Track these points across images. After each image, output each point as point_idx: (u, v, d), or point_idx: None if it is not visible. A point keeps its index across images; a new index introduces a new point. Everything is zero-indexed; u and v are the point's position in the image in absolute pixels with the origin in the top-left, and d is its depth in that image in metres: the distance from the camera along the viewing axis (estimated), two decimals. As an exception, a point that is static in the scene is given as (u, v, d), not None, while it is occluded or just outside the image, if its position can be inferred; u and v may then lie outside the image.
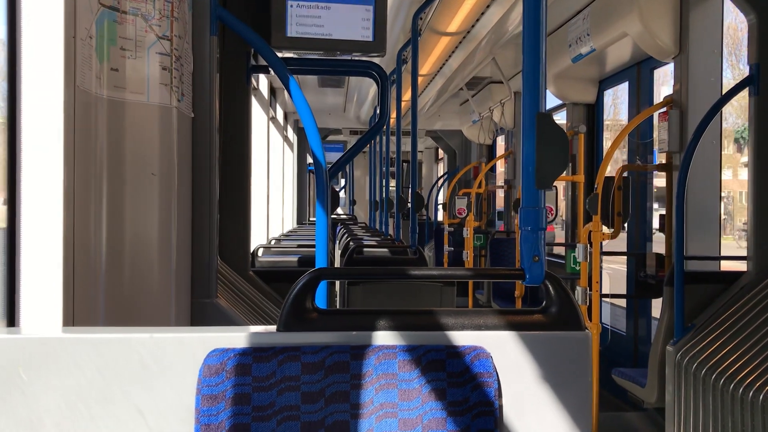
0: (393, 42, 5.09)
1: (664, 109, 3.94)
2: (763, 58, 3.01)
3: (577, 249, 4.03)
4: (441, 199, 11.76)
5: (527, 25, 1.36)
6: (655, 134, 4.45)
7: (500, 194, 8.46)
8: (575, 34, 4.87)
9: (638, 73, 5.01)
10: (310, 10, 2.60)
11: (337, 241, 5.60)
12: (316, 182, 2.11)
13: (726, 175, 17.19)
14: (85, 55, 1.57)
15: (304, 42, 2.61)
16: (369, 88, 7.47)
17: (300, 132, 10.54)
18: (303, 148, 10.90)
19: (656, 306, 3.91)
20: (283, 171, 8.72)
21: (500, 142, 8.87)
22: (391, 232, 6.12)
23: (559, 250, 5.82)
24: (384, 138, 6.50)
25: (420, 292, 3.11)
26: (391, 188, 7.01)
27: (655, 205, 5.25)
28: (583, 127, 4.49)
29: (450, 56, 5.62)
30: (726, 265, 3.94)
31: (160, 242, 1.77)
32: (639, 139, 4.99)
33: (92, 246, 1.60)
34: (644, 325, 4.95)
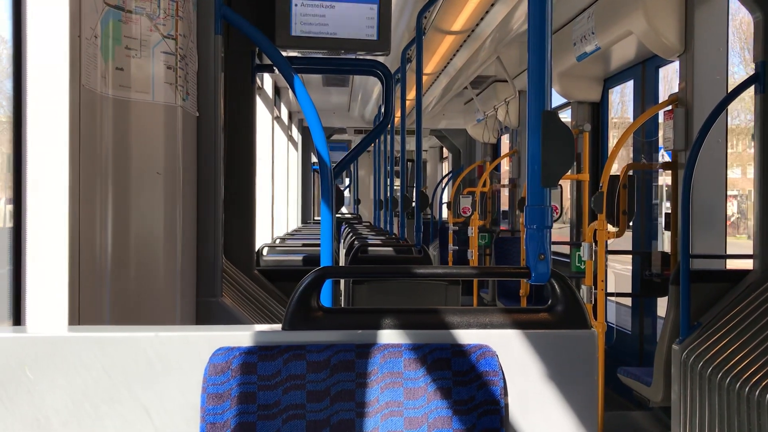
0: (397, 41, 5.09)
1: (670, 107, 3.93)
2: (769, 56, 3.00)
3: (582, 247, 4.02)
4: (446, 198, 11.77)
5: (532, 23, 1.36)
6: (661, 133, 4.44)
7: (505, 193, 8.45)
8: (580, 32, 4.86)
9: (643, 71, 4.99)
10: (314, 9, 2.61)
11: (342, 240, 5.60)
12: (321, 181, 2.11)
13: (736, 173, 17.06)
14: (90, 55, 1.57)
15: (308, 41, 2.61)
16: (373, 87, 7.47)
17: (304, 131, 10.54)
18: (307, 147, 10.91)
19: (662, 304, 3.90)
20: (287, 170, 8.73)
21: (505, 140, 8.86)
22: (395, 231, 6.11)
23: (564, 249, 5.80)
24: (389, 137, 6.49)
25: (425, 291, 3.11)
26: (395, 187, 7.01)
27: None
28: (588, 126, 4.48)
29: (454, 55, 5.61)
30: (732, 264, 3.93)
31: (166, 241, 1.77)
32: (644, 137, 4.97)
33: (98, 245, 1.60)
34: (650, 323, 4.94)
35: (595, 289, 3.94)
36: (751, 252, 3.21)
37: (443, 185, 11.94)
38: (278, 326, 1.26)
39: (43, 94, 1.49)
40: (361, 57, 2.86)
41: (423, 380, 1.17)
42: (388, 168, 6.94)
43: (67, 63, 1.49)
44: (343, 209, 14.73)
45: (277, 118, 7.61)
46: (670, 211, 4.08)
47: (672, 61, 4.22)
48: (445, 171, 13.52)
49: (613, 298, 5.52)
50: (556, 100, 6.17)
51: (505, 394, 1.21)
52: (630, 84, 5.29)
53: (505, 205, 8.84)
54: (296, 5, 2.60)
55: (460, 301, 3.28)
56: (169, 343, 1.20)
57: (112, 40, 1.66)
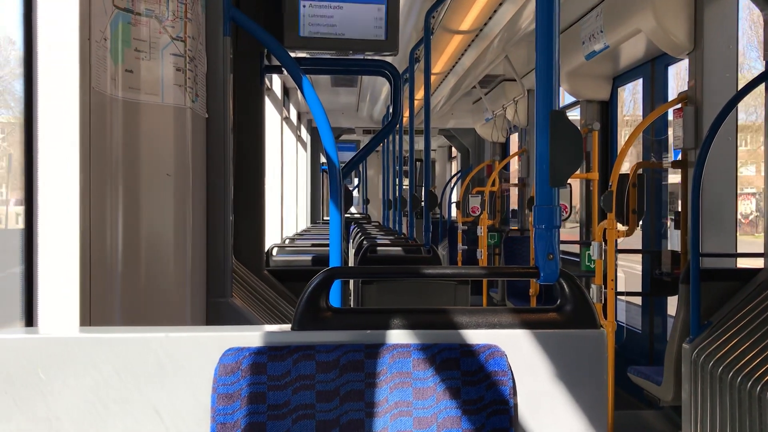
0: (405, 41, 5.09)
1: (679, 105, 3.92)
2: (779, 53, 2.98)
3: (591, 247, 4.01)
4: (454, 197, 11.76)
5: (540, 22, 1.36)
6: (670, 131, 4.42)
7: (514, 192, 8.44)
8: (588, 31, 4.84)
9: (652, 69, 4.97)
10: (322, 9, 2.61)
11: (351, 240, 5.60)
12: (330, 182, 2.12)
13: (751, 170, 16.87)
14: (99, 57, 1.58)
15: (316, 42, 2.62)
16: (382, 87, 7.48)
17: (313, 131, 10.56)
18: (316, 148, 10.92)
19: (672, 303, 3.89)
20: (296, 170, 8.75)
21: (514, 139, 8.84)
22: (404, 230, 6.11)
23: (574, 248, 5.79)
24: (397, 137, 6.49)
25: (434, 291, 3.11)
26: (404, 187, 7.01)
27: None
28: (597, 125, 4.47)
29: (462, 54, 5.61)
30: (743, 262, 3.91)
31: (176, 242, 1.78)
32: (654, 136, 4.95)
33: (108, 246, 1.61)
34: (660, 322, 4.92)
35: (605, 288, 3.93)
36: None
37: (452, 185, 11.93)
38: (288, 326, 1.27)
39: (53, 97, 1.50)
40: (369, 57, 2.86)
41: (432, 380, 1.17)
42: (397, 168, 6.95)
43: (77, 66, 1.50)
44: (352, 209, 14.74)
45: (286, 119, 7.62)
46: (680, 210, 4.06)
47: (682, 59, 4.20)
48: (454, 170, 13.51)
49: (623, 297, 5.50)
50: (565, 99, 6.16)
51: (514, 393, 1.21)
52: (642, 81, 5.27)
53: (514, 204, 8.83)
54: (304, 6, 2.60)
55: (470, 301, 3.27)
56: (179, 344, 1.21)
57: (122, 43, 1.67)
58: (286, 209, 7.34)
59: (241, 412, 1.15)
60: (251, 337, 1.22)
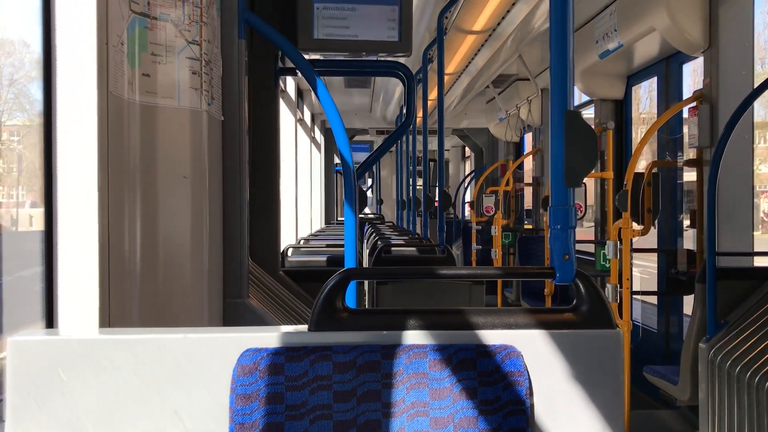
0: (418, 41, 5.10)
1: (694, 103, 3.89)
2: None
3: (606, 246, 3.99)
4: (468, 197, 11.74)
5: (554, 22, 1.36)
6: (685, 129, 4.40)
7: (528, 191, 8.41)
8: (602, 29, 4.82)
9: (667, 67, 4.95)
10: (336, 11, 2.62)
11: (365, 240, 5.61)
12: (344, 183, 2.13)
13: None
14: (117, 62, 1.60)
15: (330, 44, 2.63)
16: (395, 87, 7.49)
17: (327, 132, 10.59)
18: (330, 149, 10.95)
19: (688, 302, 3.86)
20: (311, 171, 8.77)
21: (528, 138, 8.82)
22: (418, 231, 6.12)
23: (589, 247, 5.77)
24: (410, 137, 6.50)
25: (449, 291, 3.12)
26: (417, 187, 7.01)
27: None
28: (611, 123, 4.45)
29: (476, 54, 5.60)
30: (760, 261, 3.88)
31: (193, 244, 1.80)
32: (668, 134, 4.93)
33: (126, 248, 1.63)
34: (676, 322, 4.89)
35: (621, 287, 3.92)
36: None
37: (466, 184, 11.92)
38: (304, 327, 1.28)
39: (71, 101, 1.52)
40: (382, 58, 2.87)
41: (448, 381, 1.18)
42: (411, 168, 6.95)
43: (95, 70, 1.52)
44: (366, 209, 14.76)
45: (300, 121, 7.65)
46: (695, 208, 4.04)
47: (697, 57, 4.18)
48: (468, 170, 13.49)
49: (638, 297, 5.48)
50: (580, 98, 6.13)
51: (531, 394, 1.22)
52: (656, 80, 5.24)
53: (528, 204, 8.81)
54: (318, 8, 2.61)
55: (485, 301, 3.27)
56: (197, 345, 1.22)
57: (138, 47, 1.68)
58: (301, 210, 7.36)
59: (259, 412, 1.16)
60: (269, 337, 1.23)
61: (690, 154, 4.21)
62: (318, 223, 9.46)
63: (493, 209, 7.65)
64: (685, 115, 4.17)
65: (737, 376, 2.72)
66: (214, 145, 1.89)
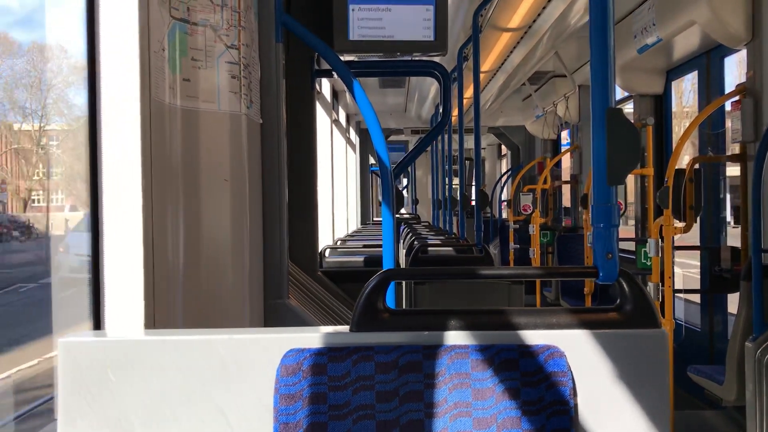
0: (453, 40, 5.08)
1: (737, 97, 3.81)
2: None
3: (648, 244, 3.93)
4: (505, 196, 11.66)
5: (594, 18, 1.35)
6: (728, 124, 4.31)
7: (566, 189, 8.33)
8: (640, 24, 4.75)
9: (708, 61, 4.85)
10: (371, 12, 2.63)
11: (401, 241, 5.61)
12: (382, 183, 2.13)
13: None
14: (158, 67, 1.62)
15: (366, 45, 2.64)
16: (430, 86, 7.47)
17: (362, 133, 10.62)
18: (365, 149, 10.98)
19: (732, 300, 3.78)
20: (346, 172, 8.81)
21: (565, 135, 8.73)
22: (455, 230, 6.10)
23: (629, 245, 5.68)
24: (446, 136, 6.48)
25: (487, 291, 3.10)
26: (453, 186, 6.99)
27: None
28: (651, 119, 4.38)
29: (511, 52, 5.56)
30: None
31: (234, 246, 1.82)
32: (710, 129, 4.83)
33: (170, 250, 1.66)
34: (720, 320, 4.79)
35: (662, 286, 3.85)
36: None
37: (502, 183, 11.84)
38: (346, 328, 1.29)
39: (115, 107, 1.55)
40: (417, 58, 2.87)
41: (491, 381, 1.17)
42: (446, 167, 6.93)
43: (137, 76, 1.54)
44: (402, 209, 14.75)
45: (335, 122, 7.69)
46: (739, 205, 3.95)
47: (739, 50, 4.09)
48: (504, 169, 13.40)
49: (680, 295, 5.38)
50: (618, 93, 6.05)
51: (575, 394, 1.20)
52: (697, 74, 5.14)
53: (566, 202, 8.71)
54: (353, 10, 2.62)
55: (524, 301, 3.25)
56: (241, 346, 1.24)
57: (179, 52, 1.71)
58: (337, 211, 7.40)
59: (302, 412, 1.17)
60: (311, 338, 1.24)
61: (734, 149, 4.12)
62: (354, 224, 9.50)
63: (531, 208, 7.58)
64: (728, 108, 4.08)
65: (785, 375, 2.65)
66: (253, 148, 1.91)
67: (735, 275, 3.91)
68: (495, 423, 1.16)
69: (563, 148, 8.47)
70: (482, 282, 3.14)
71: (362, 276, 2.71)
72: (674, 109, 5.61)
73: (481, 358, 1.19)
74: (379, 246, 2.15)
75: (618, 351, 1.24)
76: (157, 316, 1.59)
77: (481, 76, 6.14)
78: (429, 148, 10.10)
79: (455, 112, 6.22)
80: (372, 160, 11.99)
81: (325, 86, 6.56)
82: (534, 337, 1.24)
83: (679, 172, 3.88)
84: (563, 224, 8.58)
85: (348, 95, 8.05)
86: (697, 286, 5.27)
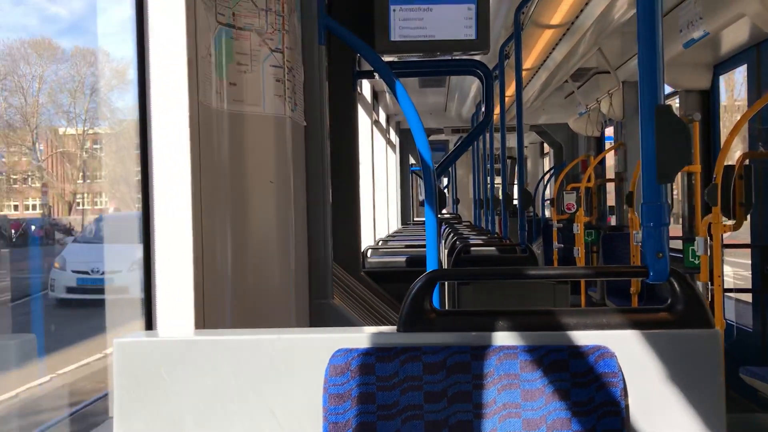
0: (495, 38, 5.05)
1: (789, 91, 3.71)
2: None
3: (696, 242, 3.85)
4: (548, 194, 11.54)
5: (642, 14, 1.33)
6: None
7: (610, 187, 8.20)
8: (686, 18, 4.65)
9: (758, 54, 4.73)
10: (412, 12, 2.63)
11: (443, 241, 5.60)
12: (425, 183, 2.13)
13: None
14: (205, 72, 1.65)
15: (407, 45, 2.64)
16: (470, 85, 7.44)
17: (402, 133, 10.62)
18: (405, 149, 10.99)
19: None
20: (387, 172, 8.82)
21: (608, 132, 8.60)
22: (497, 230, 6.06)
23: (676, 244, 5.57)
24: (488, 135, 6.44)
25: (532, 291, 3.07)
26: (495, 185, 6.94)
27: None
28: (697, 115, 4.30)
29: (553, 49, 5.51)
30: None
31: (279, 246, 1.84)
32: (761, 124, 4.71)
33: (218, 252, 1.69)
34: (773, 320, 4.67)
35: (712, 285, 3.77)
36: None
37: (545, 181, 11.72)
38: (393, 328, 1.29)
39: (164, 112, 1.59)
40: (458, 57, 2.86)
41: (540, 382, 1.17)
42: (488, 166, 6.89)
43: (185, 82, 1.57)
44: (443, 209, 14.71)
45: (376, 122, 7.71)
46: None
47: (790, 42, 3.98)
48: (546, 167, 13.26)
49: (731, 295, 5.26)
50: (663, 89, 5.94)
51: (626, 395, 1.19)
52: (746, 68, 5.02)
53: (611, 201, 8.58)
54: (394, 10, 2.63)
55: (569, 301, 3.21)
56: (291, 345, 1.25)
57: (225, 57, 1.74)
58: (378, 211, 7.42)
59: (351, 411, 1.18)
60: (359, 338, 1.25)
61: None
62: (395, 224, 9.51)
63: (575, 206, 7.48)
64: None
65: (843, 377, 2.57)
66: (297, 150, 1.93)
67: (788, 274, 3.81)
68: (545, 424, 1.15)
69: (607, 146, 8.35)
70: (527, 282, 3.12)
71: (405, 276, 2.71)
72: (725, 103, 5.48)
73: (530, 359, 1.18)
74: (421, 246, 2.15)
75: (670, 351, 1.22)
76: (206, 317, 1.61)
77: (523, 73, 6.08)
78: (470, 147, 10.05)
79: (497, 111, 6.18)
80: (412, 160, 11.99)
81: (365, 87, 6.59)
82: (583, 337, 1.23)
83: (729, 169, 3.80)
84: (608, 223, 8.45)
85: (388, 96, 8.07)
86: (748, 286, 5.15)
